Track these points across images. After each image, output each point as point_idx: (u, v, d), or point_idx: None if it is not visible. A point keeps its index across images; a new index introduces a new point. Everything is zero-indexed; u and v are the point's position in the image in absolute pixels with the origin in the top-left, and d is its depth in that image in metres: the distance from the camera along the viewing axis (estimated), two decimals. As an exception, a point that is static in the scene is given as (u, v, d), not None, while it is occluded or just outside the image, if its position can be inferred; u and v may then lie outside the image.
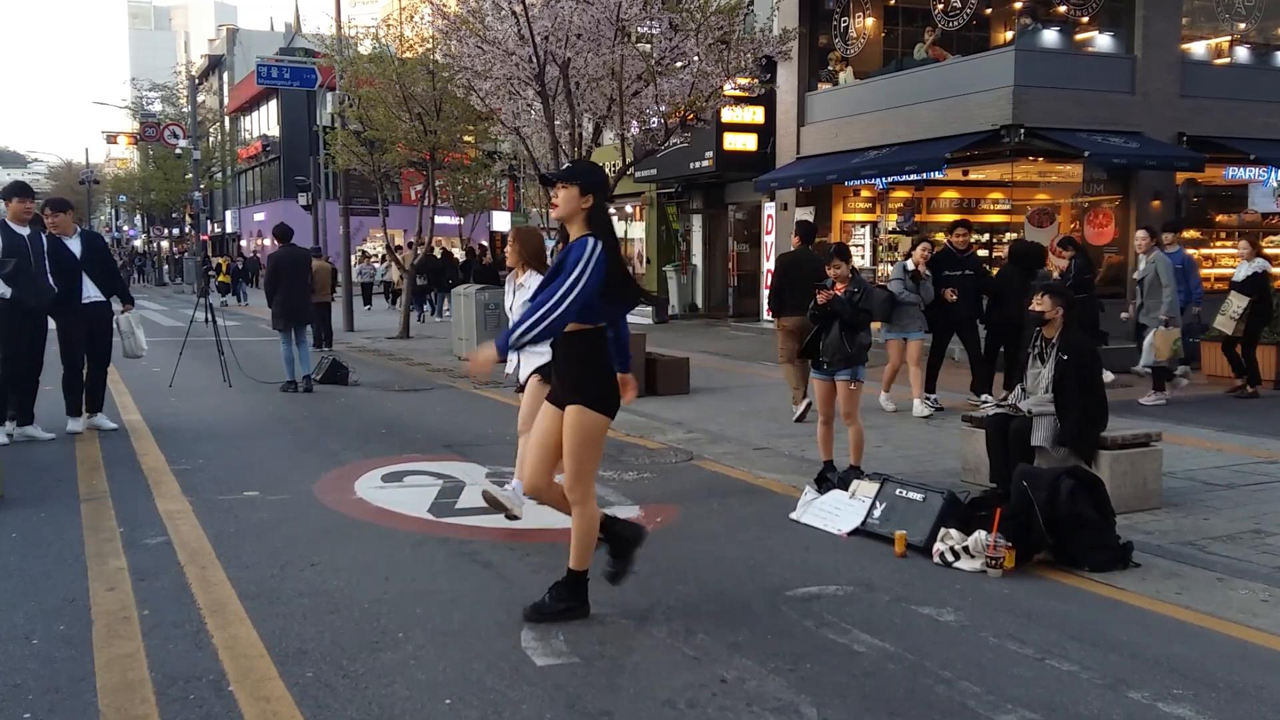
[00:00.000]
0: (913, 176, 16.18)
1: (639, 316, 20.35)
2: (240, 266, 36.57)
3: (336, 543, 5.39)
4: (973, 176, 16.95)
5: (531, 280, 5.71)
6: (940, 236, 13.07)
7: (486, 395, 11.01)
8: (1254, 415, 9.70)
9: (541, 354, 5.43)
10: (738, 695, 3.56)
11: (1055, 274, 11.63)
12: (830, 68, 18.76)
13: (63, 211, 8.46)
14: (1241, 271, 10.62)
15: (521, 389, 5.94)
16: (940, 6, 16.24)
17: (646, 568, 4.70)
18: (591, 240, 3.95)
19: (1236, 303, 10.41)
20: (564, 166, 4.22)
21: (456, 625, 4.20)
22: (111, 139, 41.40)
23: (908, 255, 9.68)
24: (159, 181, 45.16)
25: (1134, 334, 10.54)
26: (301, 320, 11.52)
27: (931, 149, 15.14)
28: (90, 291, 8.39)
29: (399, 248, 24.05)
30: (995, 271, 11.33)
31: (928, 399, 9.57)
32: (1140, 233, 10.30)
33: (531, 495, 4.36)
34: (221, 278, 30.91)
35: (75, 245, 8.34)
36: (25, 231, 7.84)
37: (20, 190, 8.06)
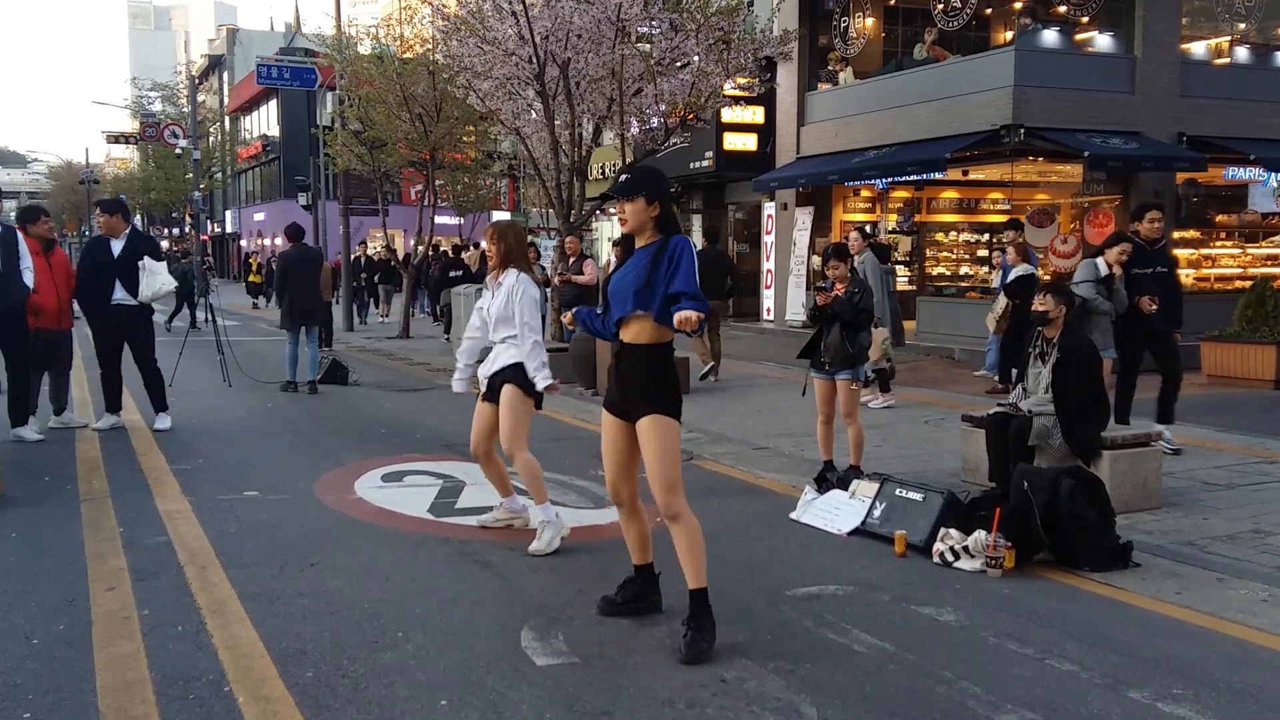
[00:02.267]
0: (913, 176, 16.19)
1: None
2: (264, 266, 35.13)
3: (336, 543, 5.39)
4: (973, 176, 16.96)
5: (509, 280, 5.39)
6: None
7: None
8: (1254, 415, 9.70)
9: (508, 358, 5.36)
10: (738, 695, 3.56)
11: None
12: (830, 68, 18.77)
13: (109, 213, 8.62)
14: (1009, 275, 11.00)
15: (485, 397, 5.52)
16: (940, 6, 16.24)
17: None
18: (684, 240, 4.04)
19: (1001, 303, 10.86)
20: (621, 179, 4.22)
21: (456, 625, 4.20)
22: (112, 139, 41.40)
23: (1099, 252, 7.78)
24: (159, 181, 45.22)
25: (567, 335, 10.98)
26: (310, 321, 11.50)
27: (931, 149, 15.14)
28: (120, 294, 8.42)
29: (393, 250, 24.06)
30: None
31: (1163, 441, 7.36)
32: (853, 234, 10.22)
33: (614, 501, 4.32)
34: (253, 277, 29.05)
35: (119, 246, 8.46)
36: None
37: None
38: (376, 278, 23.92)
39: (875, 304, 9.83)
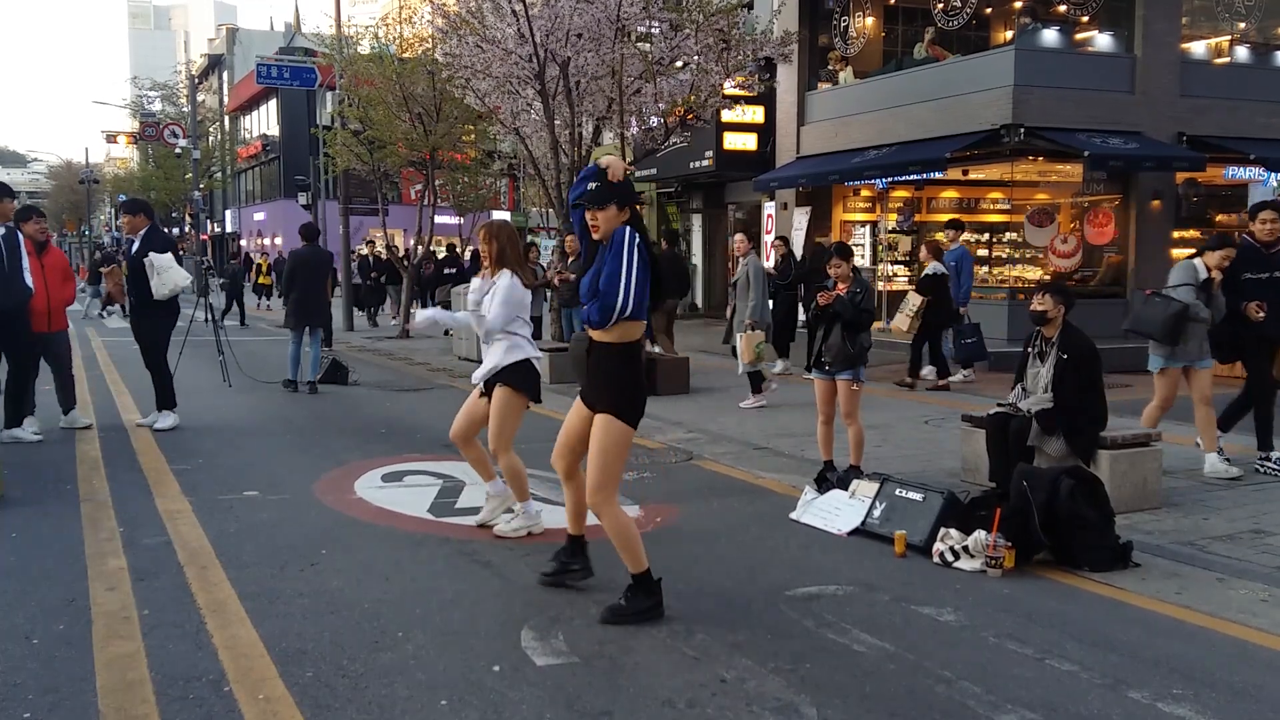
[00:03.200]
0: (913, 176, 16.18)
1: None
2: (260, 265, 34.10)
3: (336, 543, 5.39)
4: (973, 176, 16.94)
5: (503, 281, 5.40)
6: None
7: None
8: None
9: (500, 358, 5.40)
10: (738, 695, 3.56)
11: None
12: (830, 67, 18.75)
13: (129, 213, 8.78)
14: (923, 273, 11.37)
15: (484, 394, 5.55)
16: (940, 6, 16.24)
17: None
18: (627, 229, 4.16)
19: (914, 301, 11.15)
20: (591, 187, 4.30)
21: (456, 625, 4.20)
22: (111, 139, 41.39)
23: (1198, 253, 7.24)
24: (159, 181, 45.20)
25: (725, 336, 10.95)
26: (315, 321, 11.50)
27: (931, 149, 15.13)
28: (136, 296, 8.56)
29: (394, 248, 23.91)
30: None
31: (1266, 460, 7.23)
32: (739, 235, 10.34)
33: (554, 466, 4.59)
34: (262, 279, 27.86)
35: (134, 246, 8.57)
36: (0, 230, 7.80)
37: (8, 191, 8.06)
38: (384, 278, 23.63)
39: (754, 308, 10.23)
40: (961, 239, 12.45)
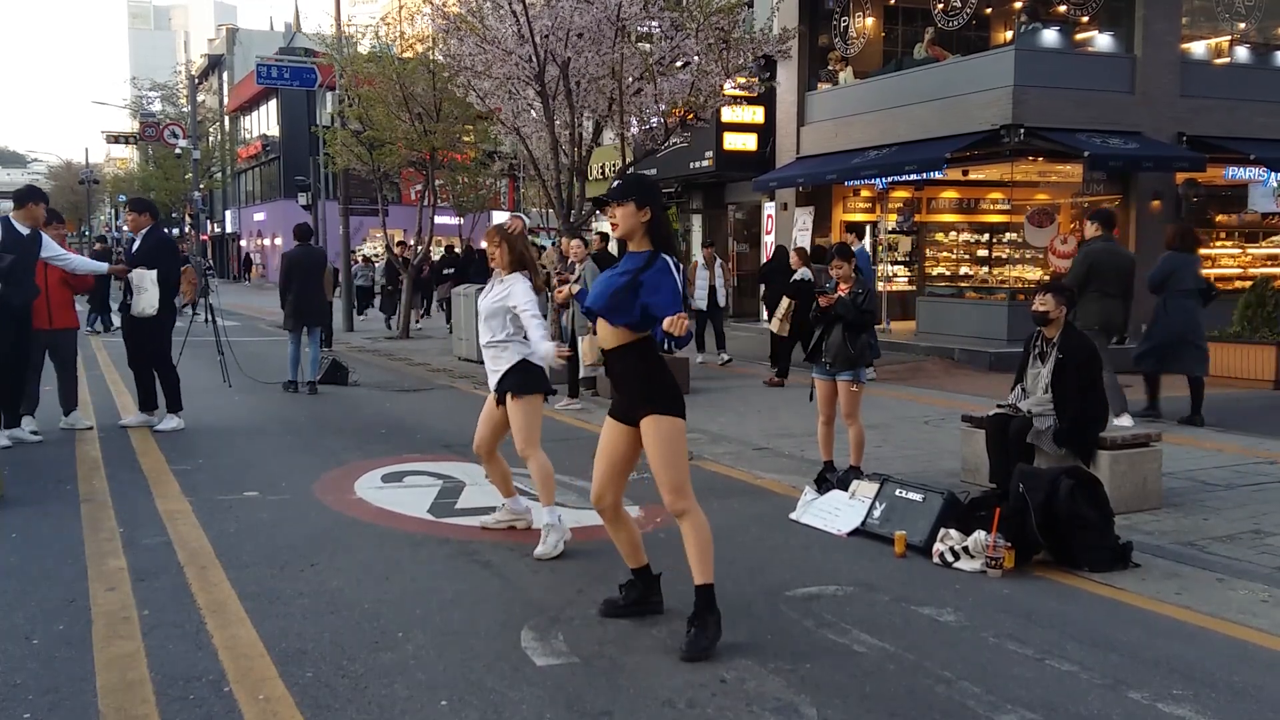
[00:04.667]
0: (912, 176, 16.18)
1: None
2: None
3: (336, 543, 5.39)
4: (972, 176, 16.96)
5: (521, 285, 5.37)
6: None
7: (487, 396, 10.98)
8: (1254, 415, 9.70)
9: (501, 367, 5.38)
10: (738, 695, 3.56)
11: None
12: (830, 67, 18.76)
13: (134, 211, 8.86)
14: (792, 278, 11.83)
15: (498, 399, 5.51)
16: (940, 6, 16.25)
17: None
18: (668, 259, 4.01)
19: (785, 304, 11.57)
20: (613, 184, 4.22)
21: (456, 625, 4.20)
22: (111, 139, 41.39)
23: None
24: (159, 181, 45.18)
25: (570, 339, 10.80)
26: (313, 321, 11.49)
27: (931, 149, 15.14)
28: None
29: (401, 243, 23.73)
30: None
31: None
32: (575, 242, 10.24)
33: (597, 507, 4.29)
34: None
35: (136, 245, 8.66)
36: (25, 231, 7.85)
37: (43, 196, 8.19)
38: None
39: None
40: (862, 243, 13.13)
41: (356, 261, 28.91)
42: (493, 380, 5.50)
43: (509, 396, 5.38)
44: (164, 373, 8.75)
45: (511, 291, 5.37)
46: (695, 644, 3.88)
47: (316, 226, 23.98)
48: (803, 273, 11.84)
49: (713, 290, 13.97)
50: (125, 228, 9.00)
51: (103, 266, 9.21)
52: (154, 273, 8.50)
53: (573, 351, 9.86)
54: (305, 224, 12.01)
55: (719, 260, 14.15)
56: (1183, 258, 9.12)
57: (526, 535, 5.52)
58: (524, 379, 5.39)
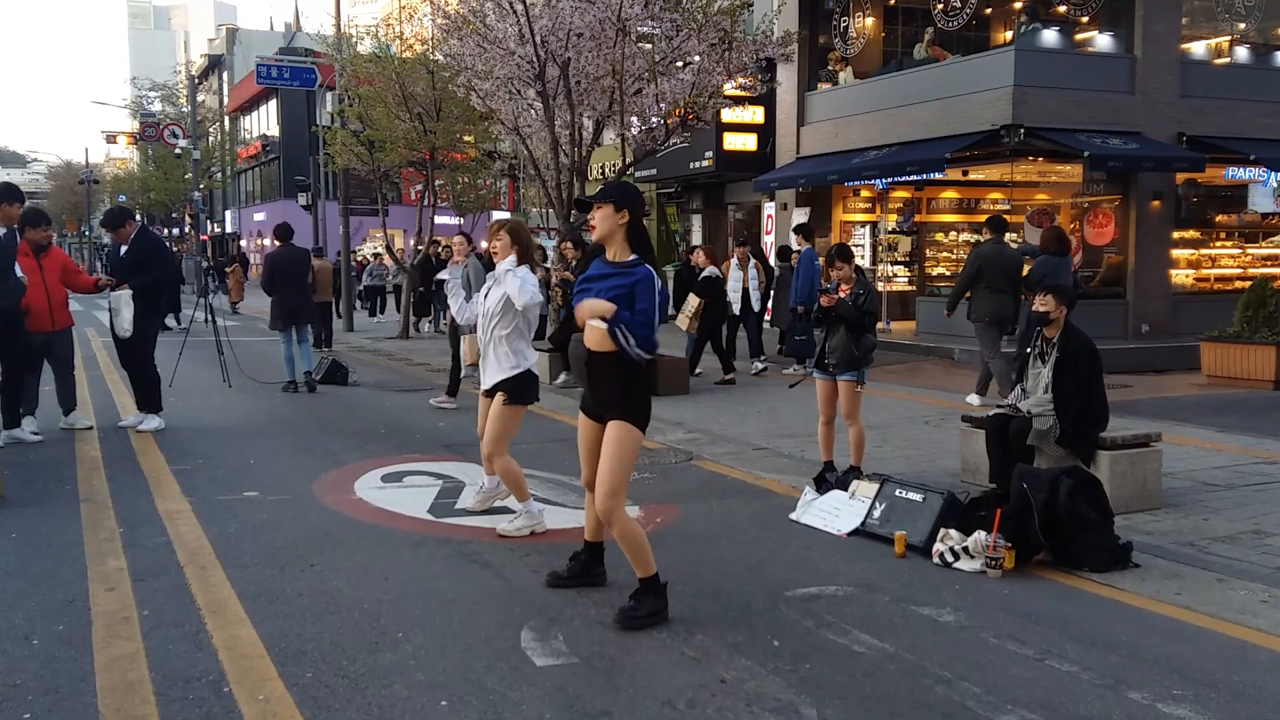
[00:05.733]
0: (912, 176, 16.18)
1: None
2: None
3: (336, 543, 5.39)
4: (972, 176, 16.95)
5: (523, 270, 5.46)
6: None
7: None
8: (1254, 415, 9.70)
9: (500, 369, 5.48)
10: (738, 695, 3.56)
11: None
12: (830, 68, 18.75)
13: (114, 228, 8.83)
14: (700, 276, 11.96)
15: (486, 394, 5.68)
16: (940, 6, 16.24)
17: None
18: (649, 271, 4.19)
19: (694, 303, 11.66)
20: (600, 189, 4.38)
21: (456, 625, 4.20)
22: (111, 139, 41.38)
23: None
24: (159, 181, 45.16)
25: (450, 337, 10.86)
26: (301, 319, 11.53)
27: (931, 149, 15.13)
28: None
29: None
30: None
31: None
32: (458, 239, 10.28)
33: (586, 487, 4.53)
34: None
35: (123, 253, 8.69)
36: (1, 232, 7.81)
37: (19, 195, 8.08)
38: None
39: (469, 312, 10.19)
40: (809, 244, 12.90)
41: (369, 260, 28.70)
42: (489, 379, 5.56)
43: (501, 397, 5.48)
44: (146, 373, 8.76)
45: (517, 272, 5.42)
46: (625, 612, 4.17)
47: (316, 226, 24.02)
48: (710, 270, 11.92)
49: (745, 293, 12.96)
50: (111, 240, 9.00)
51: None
52: (129, 293, 8.51)
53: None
54: (286, 224, 12.09)
55: (753, 260, 13.21)
56: (1056, 260, 10.07)
57: (531, 538, 5.52)
58: (524, 388, 5.52)
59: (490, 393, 5.57)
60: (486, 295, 5.57)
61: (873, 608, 4.50)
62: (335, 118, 21.61)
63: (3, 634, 4.06)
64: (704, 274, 12.02)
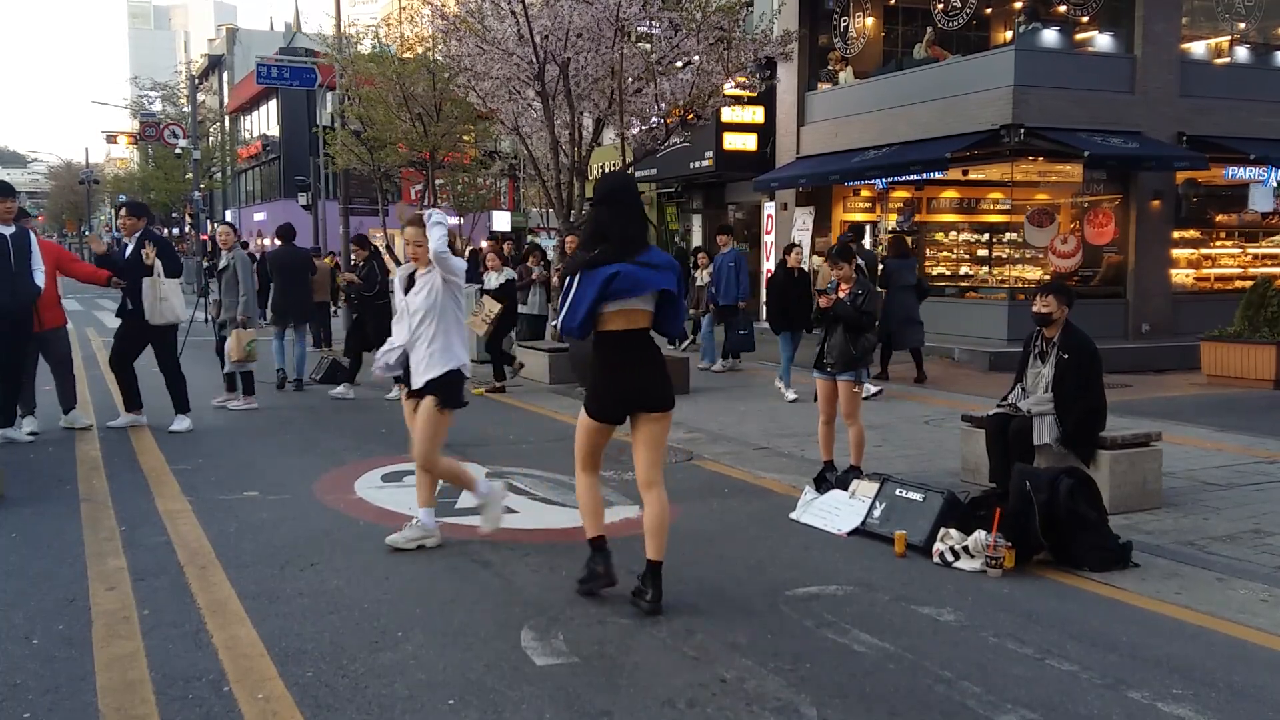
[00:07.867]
0: (913, 176, 16.17)
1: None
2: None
3: (336, 543, 5.39)
4: (973, 176, 16.93)
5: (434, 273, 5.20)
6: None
7: (487, 396, 11.00)
8: (1254, 415, 9.71)
9: (430, 368, 5.16)
10: (738, 695, 3.56)
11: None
12: (830, 67, 18.75)
13: (135, 216, 8.82)
14: (492, 280, 11.71)
15: (411, 395, 5.35)
16: (940, 6, 16.23)
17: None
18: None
19: (489, 306, 11.39)
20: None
21: (456, 625, 4.20)
22: (111, 139, 41.40)
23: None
24: (159, 181, 45.22)
25: (216, 334, 10.73)
26: (294, 318, 11.58)
27: (931, 149, 15.12)
28: (130, 301, 8.56)
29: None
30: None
31: None
32: (223, 228, 10.33)
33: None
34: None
35: (129, 250, 8.63)
36: (8, 231, 7.78)
37: (4, 190, 7.94)
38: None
39: (245, 304, 9.98)
40: (733, 244, 13.19)
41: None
42: (418, 378, 5.21)
43: (433, 401, 5.13)
44: (178, 373, 8.79)
45: (435, 278, 5.18)
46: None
47: (316, 226, 24.03)
48: (508, 273, 11.79)
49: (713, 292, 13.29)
50: (118, 231, 8.92)
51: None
52: (177, 281, 8.60)
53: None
54: (289, 224, 12.24)
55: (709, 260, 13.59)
56: (899, 262, 12.01)
57: (526, 535, 5.52)
58: (454, 390, 5.20)
59: (418, 394, 5.23)
60: (408, 292, 5.25)
61: (873, 607, 4.50)
62: (335, 118, 21.63)
63: (3, 633, 4.06)
64: (500, 279, 11.52)
